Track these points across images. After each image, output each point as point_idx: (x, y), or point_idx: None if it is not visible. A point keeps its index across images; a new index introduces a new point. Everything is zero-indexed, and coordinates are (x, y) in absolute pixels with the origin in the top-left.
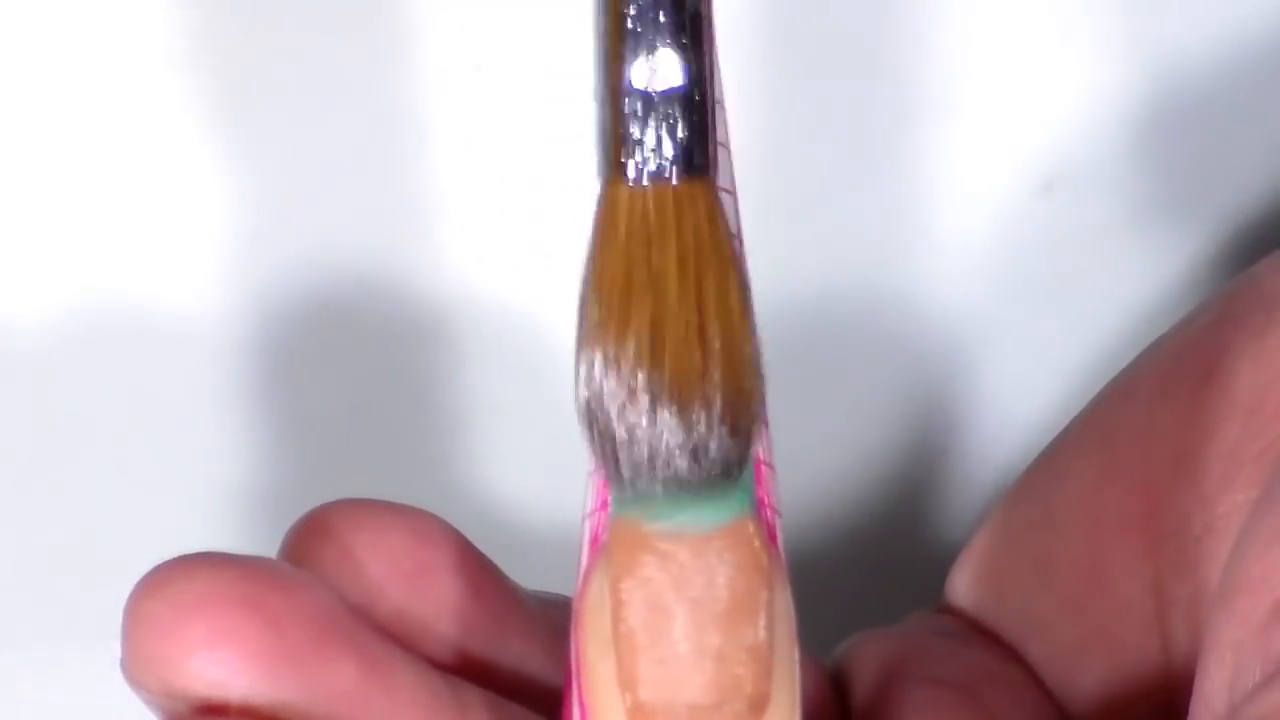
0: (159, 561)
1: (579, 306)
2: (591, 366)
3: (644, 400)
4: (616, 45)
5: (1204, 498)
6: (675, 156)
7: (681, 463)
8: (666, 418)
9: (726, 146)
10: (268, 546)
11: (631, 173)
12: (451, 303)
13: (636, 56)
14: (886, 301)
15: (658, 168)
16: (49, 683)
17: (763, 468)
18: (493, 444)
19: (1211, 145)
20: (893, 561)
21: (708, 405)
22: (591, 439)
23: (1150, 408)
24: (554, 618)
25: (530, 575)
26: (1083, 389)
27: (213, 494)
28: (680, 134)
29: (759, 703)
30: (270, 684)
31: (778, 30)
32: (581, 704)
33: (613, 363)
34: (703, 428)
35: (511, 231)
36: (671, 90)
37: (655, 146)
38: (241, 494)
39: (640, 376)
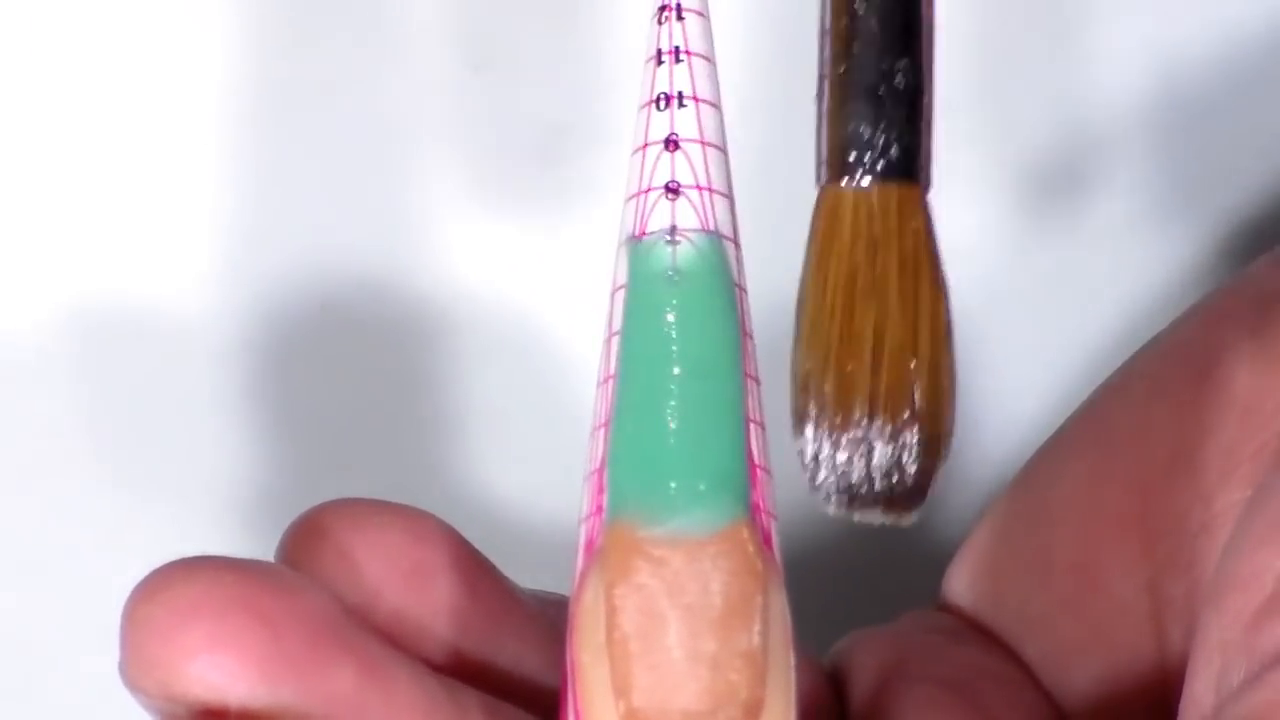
0: (158, 563)
1: (799, 300)
2: (810, 375)
3: (858, 421)
4: (844, 45)
5: (1200, 496)
6: (898, 160)
7: (878, 480)
8: (875, 437)
9: (723, 149)
10: (267, 546)
11: (856, 175)
12: (450, 304)
13: (866, 58)
14: None
15: (883, 169)
16: (47, 684)
17: (758, 472)
18: (491, 444)
19: (1210, 145)
20: (890, 560)
21: (910, 427)
22: (802, 447)
23: (1146, 406)
24: (552, 616)
25: (528, 575)
26: (1080, 388)
27: (212, 494)
28: (906, 139)
29: (753, 709)
30: (268, 688)
31: (776, 30)
32: (576, 710)
33: (833, 374)
34: (903, 450)
35: (511, 233)
36: (901, 93)
37: (883, 149)
38: (241, 494)
39: (859, 400)
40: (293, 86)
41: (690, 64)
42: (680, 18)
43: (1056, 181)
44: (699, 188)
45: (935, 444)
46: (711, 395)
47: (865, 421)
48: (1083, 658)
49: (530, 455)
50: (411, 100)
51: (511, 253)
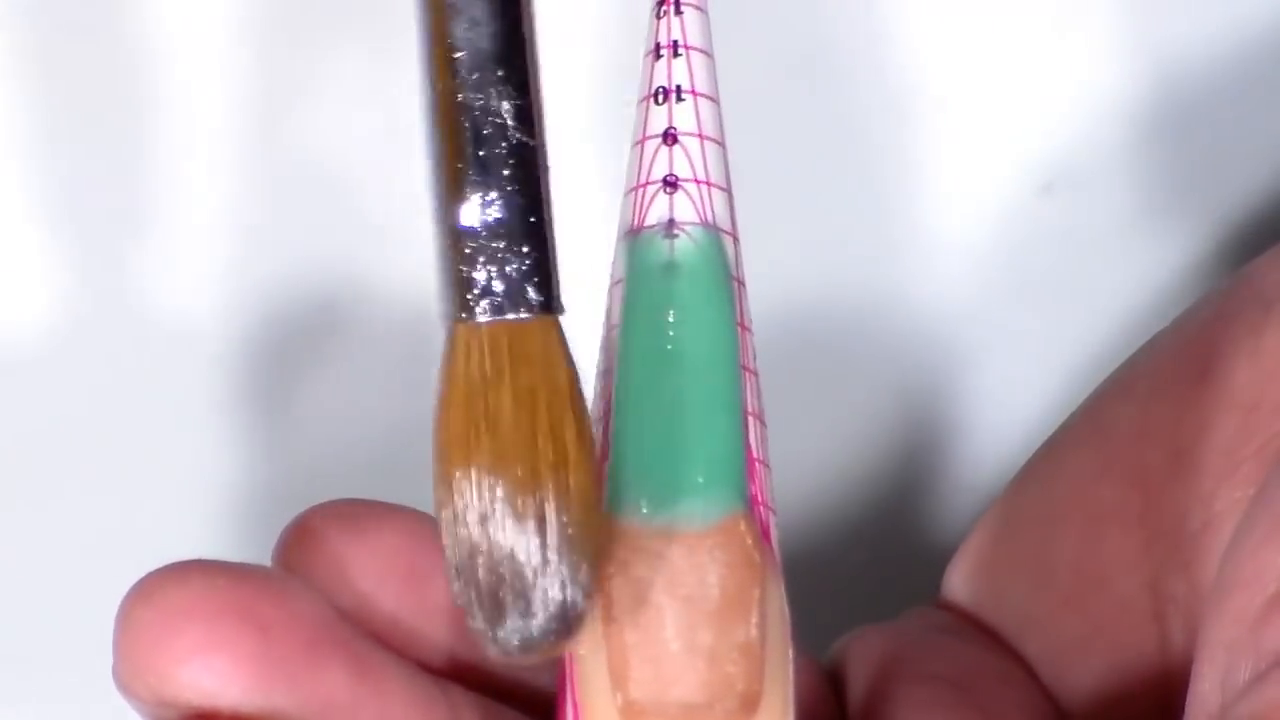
0: (156, 565)
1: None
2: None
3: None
4: (445, 184)
5: (1201, 495)
6: (508, 293)
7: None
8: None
9: (721, 144)
10: (265, 547)
11: (467, 314)
12: None
13: (464, 194)
14: (885, 301)
15: (493, 306)
16: (45, 686)
17: (757, 465)
18: None
19: (1210, 145)
20: (891, 559)
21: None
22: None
23: (1147, 405)
24: None
25: None
26: (1080, 388)
27: (209, 496)
28: (510, 270)
29: (751, 701)
30: (261, 692)
31: (775, 30)
32: (574, 702)
33: (457, 519)
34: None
35: None
36: (499, 224)
37: (487, 285)
38: (238, 495)
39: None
40: (292, 88)
41: (689, 58)
42: (679, 12)
43: (1056, 181)
44: (697, 181)
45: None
46: (709, 388)
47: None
48: (1083, 656)
49: None
50: (411, 102)
51: None
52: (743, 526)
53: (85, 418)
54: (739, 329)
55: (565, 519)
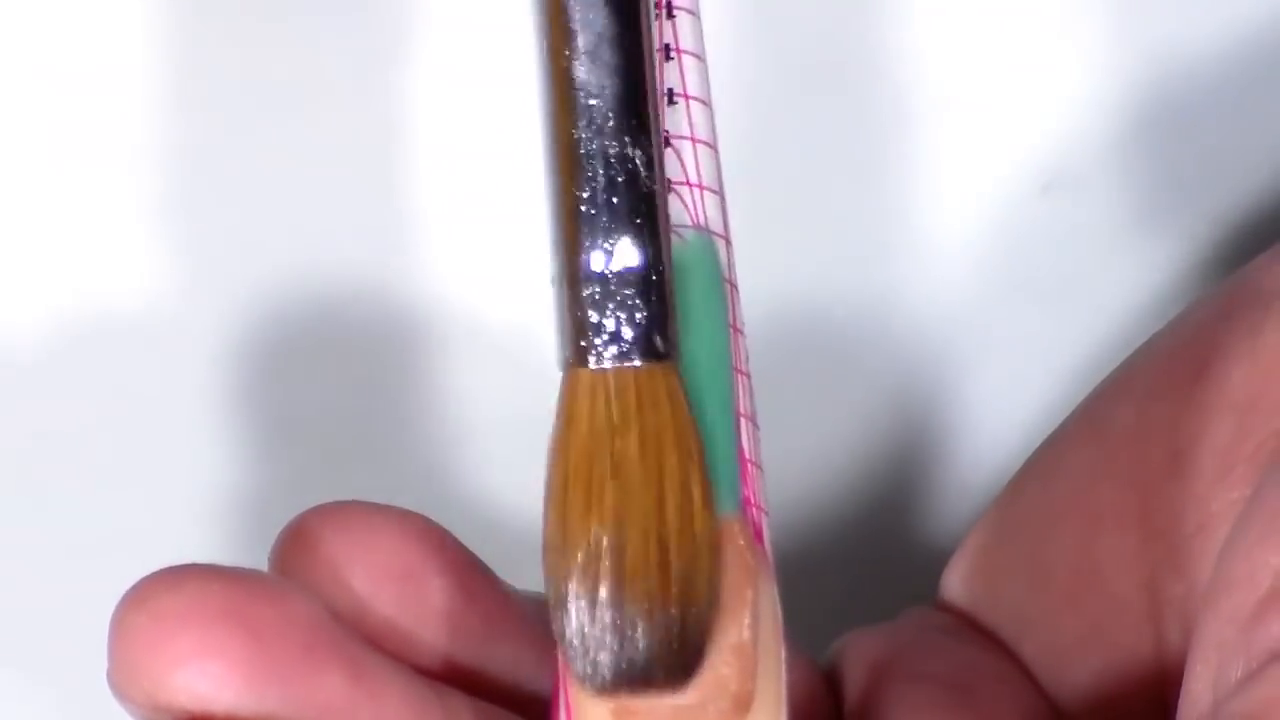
0: (151, 568)
1: (545, 491)
2: (558, 565)
3: (604, 614)
4: (572, 230)
5: (1198, 495)
6: (636, 340)
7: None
8: (623, 631)
9: (714, 147)
10: (259, 550)
11: (593, 359)
12: (444, 308)
13: (593, 241)
14: (883, 301)
15: (619, 353)
16: (37, 691)
17: (749, 467)
18: (485, 446)
19: (1209, 146)
20: (889, 561)
21: (664, 627)
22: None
23: (1144, 405)
24: (547, 618)
25: (524, 576)
26: (1079, 389)
27: (204, 499)
28: (639, 318)
29: (743, 702)
30: (255, 697)
31: (773, 30)
32: (567, 704)
33: (578, 570)
34: (654, 646)
35: (506, 237)
36: (629, 272)
37: (615, 331)
38: (233, 499)
39: (602, 590)
40: (285, 91)
41: (681, 62)
42: (671, 16)
43: (1055, 181)
44: (689, 184)
45: (693, 615)
46: (703, 390)
47: (616, 608)
48: (1080, 656)
49: (525, 455)
50: (405, 104)
51: (504, 259)
52: (735, 528)
53: (82, 419)
54: (731, 331)
55: (688, 567)
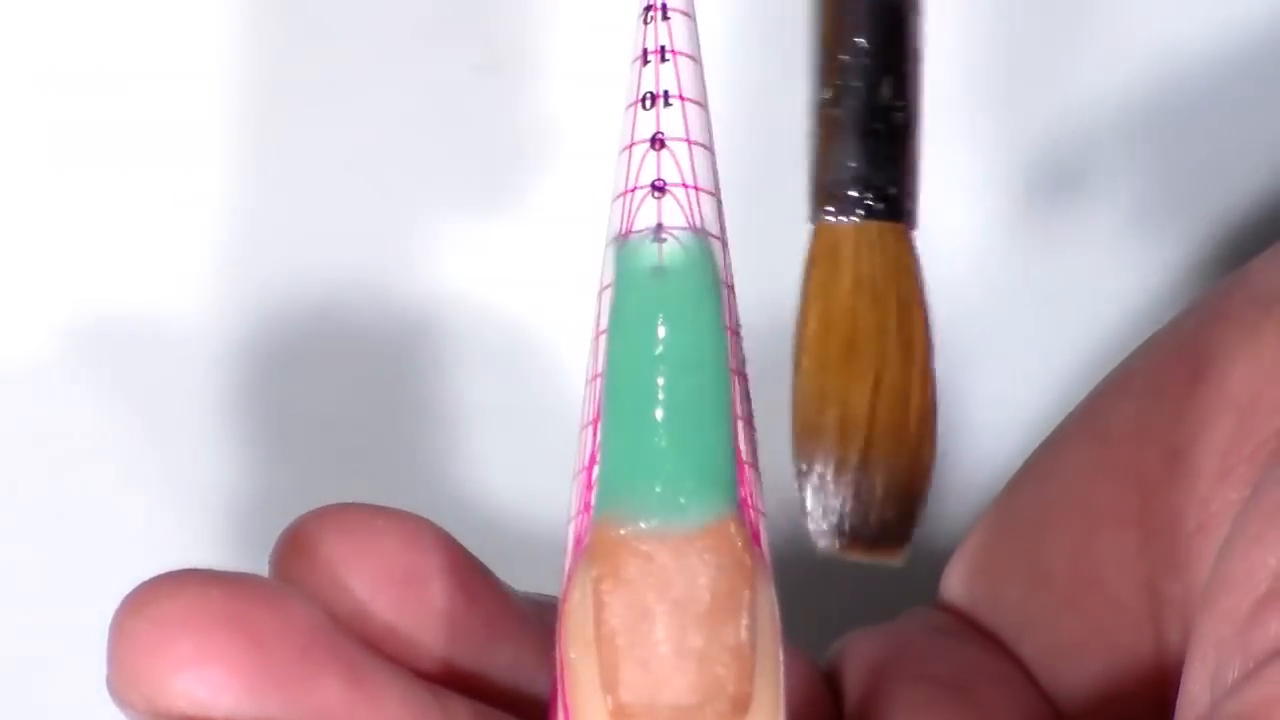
0: (151, 571)
1: (799, 334)
2: (810, 417)
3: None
4: (837, 78)
5: (1197, 495)
6: (893, 199)
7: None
8: (867, 480)
9: (710, 149)
10: (261, 552)
11: (852, 211)
12: (447, 308)
13: (861, 93)
14: None
15: (878, 209)
16: (44, 691)
17: (745, 468)
18: (485, 446)
19: (1209, 146)
20: None
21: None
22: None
23: (1143, 405)
24: (548, 620)
25: (524, 578)
26: (1079, 389)
27: (207, 498)
28: (901, 178)
29: (741, 703)
30: (254, 701)
31: (773, 30)
32: (565, 706)
33: (834, 417)
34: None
35: (507, 236)
36: (896, 130)
37: (878, 188)
38: (233, 500)
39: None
40: (288, 89)
41: (676, 63)
42: (666, 18)
43: (1055, 181)
44: (685, 186)
45: (921, 483)
46: (698, 392)
47: (861, 464)
48: (1080, 656)
49: (526, 457)
50: (407, 102)
51: (507, 258)
52: (732, 529)
53: (84, 421)
54: (727, 333)
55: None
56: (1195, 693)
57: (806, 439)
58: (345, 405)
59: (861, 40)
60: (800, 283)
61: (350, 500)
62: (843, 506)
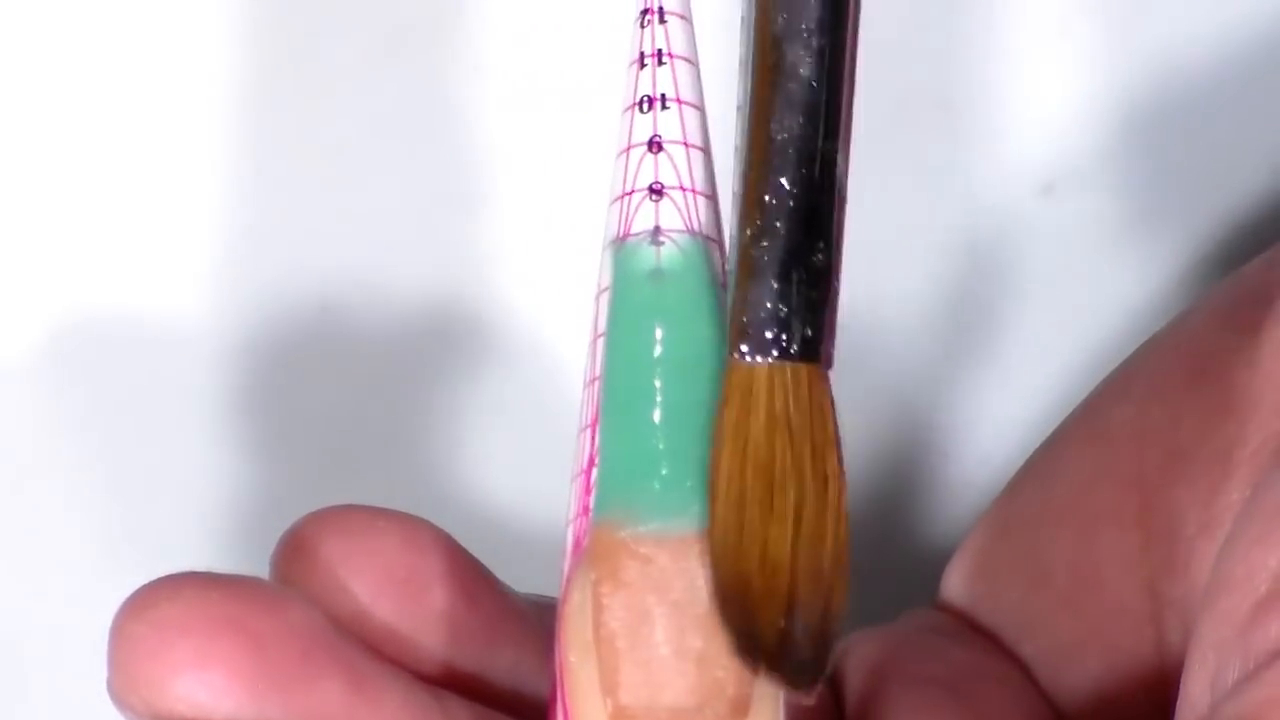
0: (152, 572)
1: (713, 476)
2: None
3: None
4: (760, 218)
5: (1198, 497)
6: (810, 339)
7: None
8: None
9: (707, 151)
10: (262, 554)
11: (770, 352)
12: (449, 307)
13: (783, 234)
14: (883, 301)
15: (795, 350)
16: (42, 692)
17: None
18: (487, 448)
19: (1209, 146)
20: (889, 560)
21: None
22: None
23: (1144, 406)
24: (548, 621)
25: (524, 579)
26: (1080, 389)
27: (207, 499)
28: (817, 319)
29: (740, 705)
30: (254, 705)
31: None
32: (565, 708)
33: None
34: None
35: (510, 236)
36: (816, 270)
37: (795, 328)
38: (234, 502)
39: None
40: (290, 89)
41: (673, 66)
42: (663, 21)
43: (1056, 182)
44: (683, 189)
45: (834, 626)
46: (696, 394)
47: (784, 603)
48: (1080, 657)
49: (526, 457)
50: (410, 102)
51: (510, 257)
52: None
53: (81, 421)
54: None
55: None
56: (1195, 694)
57: (727, 580)
58: (345, 405)
59: (785, 182)
60: (714, 422)
61: (350, 501)
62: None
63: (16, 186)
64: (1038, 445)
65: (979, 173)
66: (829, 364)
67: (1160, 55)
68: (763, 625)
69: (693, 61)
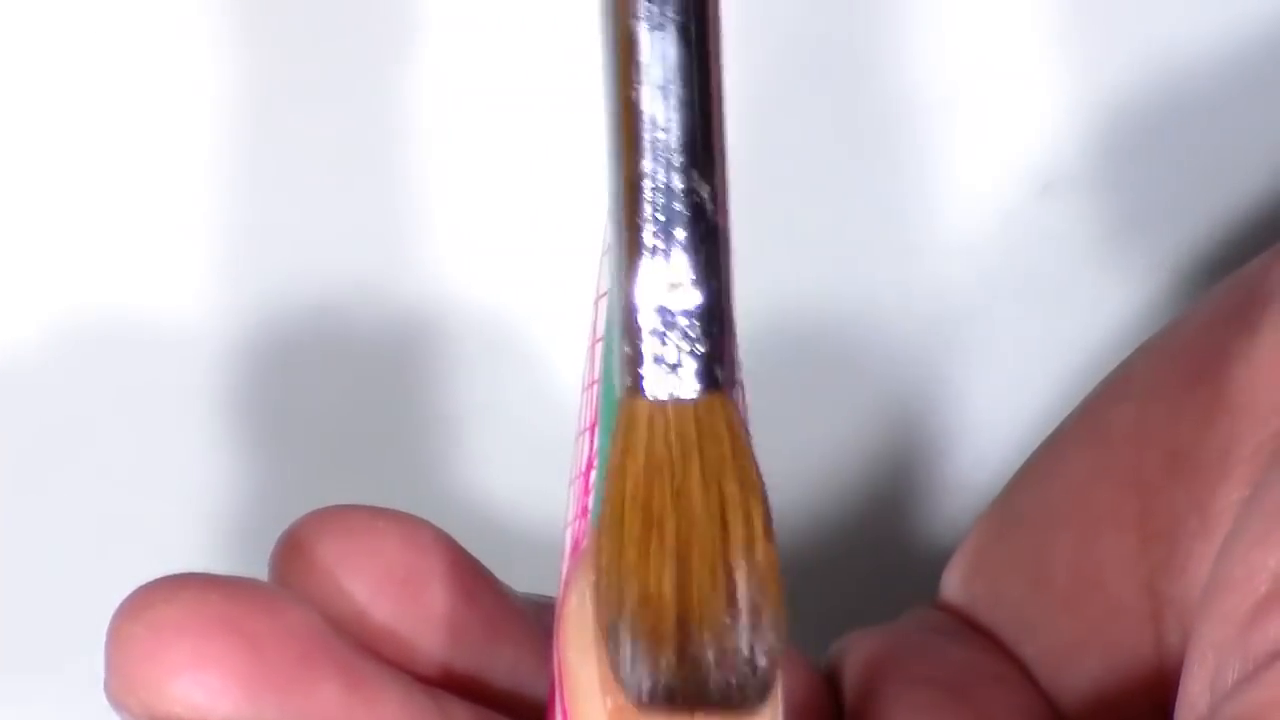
0: (150, 573)
1: (600, 519)
2: (618, 596)
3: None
4: (633, 264)
5: (1198, 497)
6: (696, 371)
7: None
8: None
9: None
10: (260, 554)
11: (652, 390)
12: (446, 308)
13: (655, 275)
14: (883, 301)
15: (679, 385)
16: (39, 696)
17: None
18: (486, 448)
19: (1208, 146)
20: (889, 560)
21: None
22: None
23: (1144, 406)
24: (547, 621)
25: (524, 579)
26: (1079, 389)
27: (206, 499)
28: (700, 350)
29: None
30: (252, 706)
31: (773, 32)
32: (564, 709)
33: (639, 601)
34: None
35: (505, 237)
36: (693, 307)
37: (675, 363)
38: (235, 499)
39: (668, 619)
40: (286, 91)
41: None
42: None
43: (1055, 182)
44: None
45: (768, 633)
46: None
47: (679, 642)
48: (1080, 657)
49: (526, 457)
50: (406, 104)
51: (505, 258)
52: None
53: (83, 422)
54: None
55: (756, 596)
56: (1195, 694)
57: (612, 619)
58: (344, 406)
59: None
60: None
61: (349, 501)
62: (667, 678)
63: (16, 186)
64: (1037, 445)
65: (979, 173)
66: (725, 383)
67: (1159, 56)
68: (661, 664)
69: None
